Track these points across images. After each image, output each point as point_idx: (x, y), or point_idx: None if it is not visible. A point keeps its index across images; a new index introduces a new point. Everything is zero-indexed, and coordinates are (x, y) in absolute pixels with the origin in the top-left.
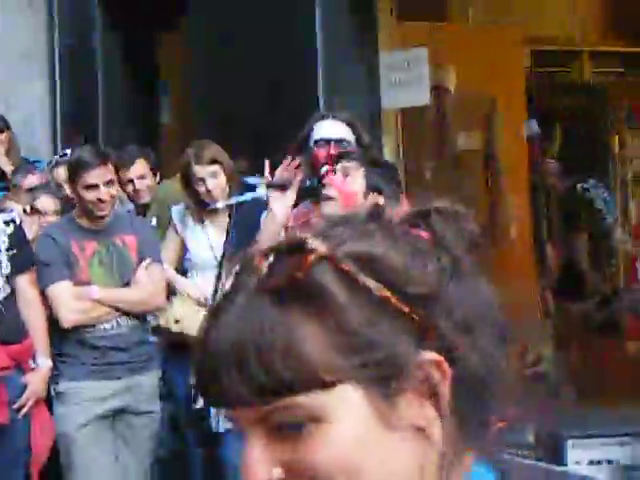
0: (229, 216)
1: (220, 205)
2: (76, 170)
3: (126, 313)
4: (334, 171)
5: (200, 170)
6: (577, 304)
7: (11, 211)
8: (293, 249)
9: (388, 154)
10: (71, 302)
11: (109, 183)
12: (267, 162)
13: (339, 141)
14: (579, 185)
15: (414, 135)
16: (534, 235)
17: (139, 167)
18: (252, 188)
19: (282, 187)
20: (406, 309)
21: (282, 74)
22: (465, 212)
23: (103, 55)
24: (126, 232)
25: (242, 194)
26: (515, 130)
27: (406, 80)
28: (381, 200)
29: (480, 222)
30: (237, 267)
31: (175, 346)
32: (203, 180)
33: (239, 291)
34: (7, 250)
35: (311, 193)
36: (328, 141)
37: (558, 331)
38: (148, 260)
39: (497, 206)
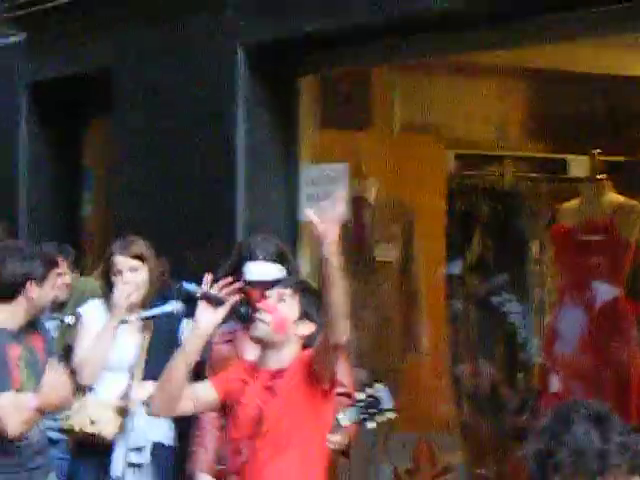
0: (143, 326)
1: (131, 319)
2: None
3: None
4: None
5: (121, 261)
6: (490, 416)
7: None
8: None
9: (305, 265)
10: (16, 414)
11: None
12: (209, 276)
13: (271, 282)
14: (493, 298)
15: None
16: (449, 346)
17: None
18: (188, 295)
19: (215, 302)
20: None
21: (201, 183)
22: None
23: (27, 142)
24: (32, 332)
25: (156, 305)
26: (433, 240)
27: (326, 195)
28: (311, 328)
29: (394, 333)
30: None
31: (83, 445)
32: (121, 273)
33: None
34: None
35: (243, 319)
36: (261, 283)
37: (470, 442)
38: (53, 361)
39: (411, 317)
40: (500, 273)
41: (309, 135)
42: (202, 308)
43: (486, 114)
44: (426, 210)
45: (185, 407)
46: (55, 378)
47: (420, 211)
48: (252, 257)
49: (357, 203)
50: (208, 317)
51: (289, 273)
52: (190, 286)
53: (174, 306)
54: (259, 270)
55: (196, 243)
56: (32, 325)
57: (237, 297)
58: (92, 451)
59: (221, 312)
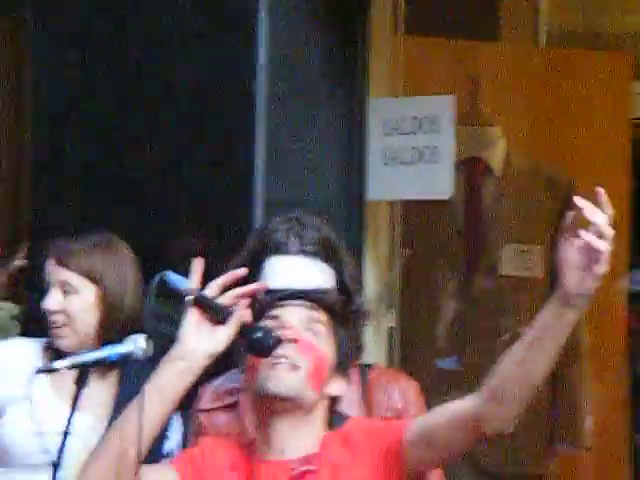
0: (78, 381)
1: (60, 366)
2: None
3: None
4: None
5: (53, 272)
6: None
7: None
8: None
9: (372, 278)
10: None
11: None
12: (198, 262)
13: (311, 295)
14: None
15: (424, 246)
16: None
17: None
18: (171, 295)
19: (215, 314)
20: None
21: (191, 127)
22: None
23: None
24: None
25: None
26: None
27: (414, 154)
28: (342, 386)
29: (533, 407)
30: None
31: None
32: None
33: None
34: None
35: (264, 352)
36: (293, 296)
37: None
38: None
39: (565, 380)
40: None
41: (385, 44)
42: (192, 321)
43: None
44: (595, 188)
45: None
46: None
47: (585, 189)
48: (279, 249)
49: (472, 170)
50: (202, 339)
51: (341, 280)
52: (177, 279)
53: (135, 344)
54: (291, 272)
55: (186, 230)
56: None
57: (248, 312)
58: None
59: (225, 332)
